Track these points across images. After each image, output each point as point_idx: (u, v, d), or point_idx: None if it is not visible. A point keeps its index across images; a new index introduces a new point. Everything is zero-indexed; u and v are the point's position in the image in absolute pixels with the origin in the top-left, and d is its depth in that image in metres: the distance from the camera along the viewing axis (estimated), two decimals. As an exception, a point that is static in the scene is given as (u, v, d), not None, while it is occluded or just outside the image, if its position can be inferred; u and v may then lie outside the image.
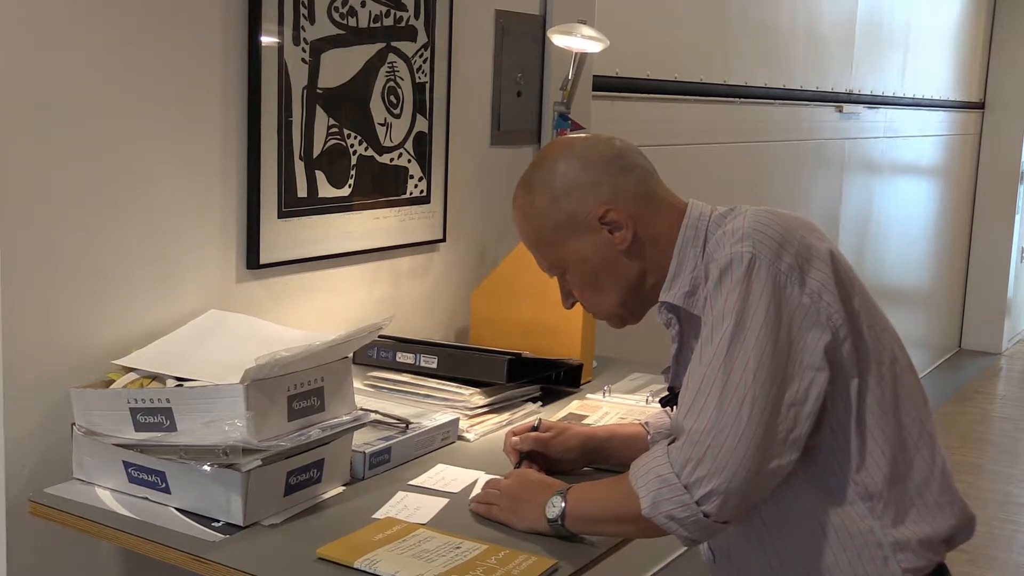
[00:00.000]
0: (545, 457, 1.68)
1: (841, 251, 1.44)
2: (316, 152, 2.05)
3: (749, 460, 1.29)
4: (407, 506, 1.57)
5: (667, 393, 1.58)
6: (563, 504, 1.44)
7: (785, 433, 1.32)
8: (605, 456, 1.71)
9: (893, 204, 5.58)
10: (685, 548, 3.21)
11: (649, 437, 1.70)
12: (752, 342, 1.31)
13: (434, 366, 2.06)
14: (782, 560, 1.44)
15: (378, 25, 2.16)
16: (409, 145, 2.27)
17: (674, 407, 1.55)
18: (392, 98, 2.21)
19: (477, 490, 1.62)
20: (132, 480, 1.55)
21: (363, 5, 2.11)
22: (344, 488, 1.63)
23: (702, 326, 1.38)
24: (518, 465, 1.66)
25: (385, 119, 2.20)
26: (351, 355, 1.69)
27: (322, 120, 2.05)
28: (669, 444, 1.34)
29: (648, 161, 1.54)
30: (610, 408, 2.06)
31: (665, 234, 1.49)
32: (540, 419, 1.75)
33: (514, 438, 1.70)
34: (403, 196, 2.28)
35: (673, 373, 1.55)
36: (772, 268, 1.34)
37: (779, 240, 1.36)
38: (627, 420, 1.90)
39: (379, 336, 1.96)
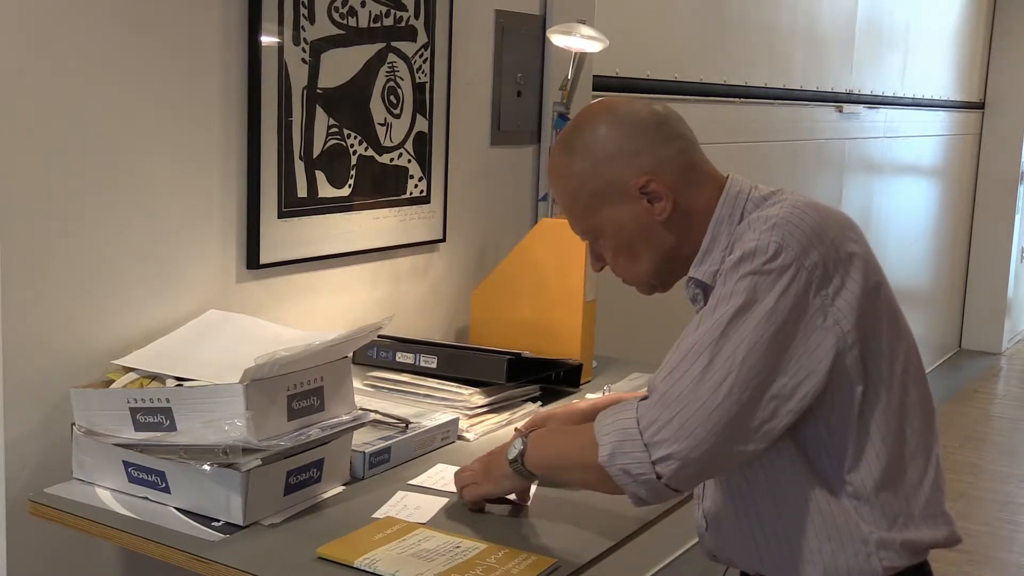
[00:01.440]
0: None
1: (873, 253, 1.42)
2: (316, 152, 2.05)
3: (714, 437, 1.29)
4: (407, 506, 1.57)
5: None
6: (522, 446, 1.47)
7: (759, 423, 1.31)
8: None
9: (893, 204, 5.58)
10: (685, 548, 3.22)
11: None
12: (751, 325, 1.31)
13: (434, 366, 2.06)
14: (768, 541, 1.44)
15: (378, 25, 2.16)
16: (409, 145, 2.27)
17: None
18: (392, 98, 2.21)
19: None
20: (132, 480, 1.55)
21: (363, 5, 2.12)
22: (344, 488, 1.63)
23: (709, 298, 1.37)
24: None
25: (385, 119, 2.20)
26: (351, 355, 1.69)
27: (322, 120, 2.05)
28: (641, 400, 1.35)
29: (690, 129, 1.51)
30: (610, 408, 2.06)
31: (703, 208, 1.47)
32: (518, 426, 1.75)
33: None
34: (403, 196, 2.28)
35: None
36: (796, 263, 1.32)
37: (810, 236, 1.34)
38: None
39: (379, 336, 1.96)
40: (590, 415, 1.72)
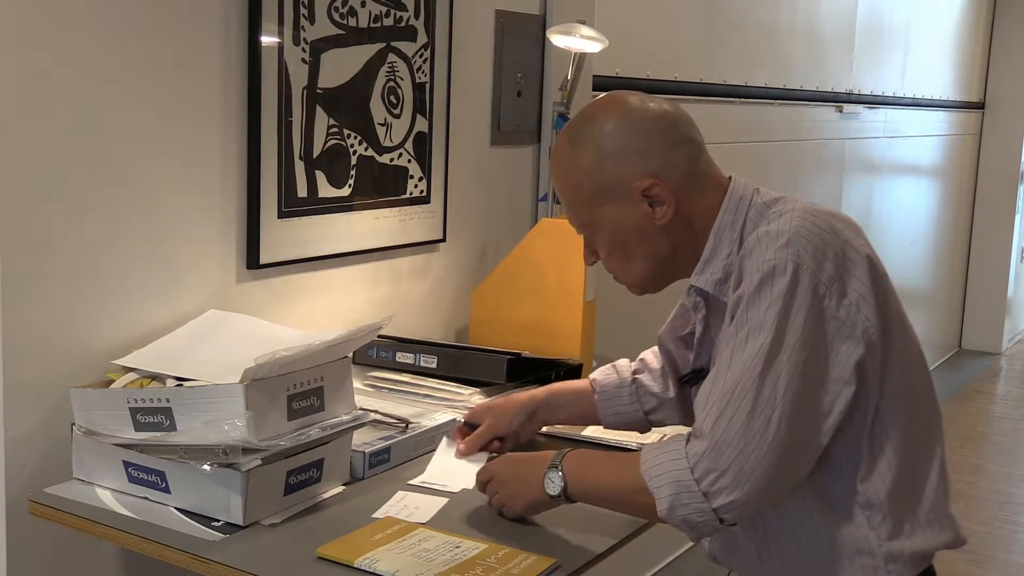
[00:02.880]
0: (500, 440, 1.70)
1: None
2: (316, 152, 2.05)
3: (771, 474, 1.29)
4: (407, 505, 1.57)
5: (688, 373, 1.58)
6: (561, 479, 1.44)
7: (808, 445, 1.32)
8: (551, 414, 1.73)
9: (893, 204, 5.58)
10: (685, 548, 3.23)
11: (596, 395, 1.71)
12: (787, 356, 1.30)
13: (434, 366, 2.06)
14: (773, 557, 1.44)
15: (378, 25, 2.16)
16: (409, 145, 2.27)
17: (694, 386, 1.55)
18: (392, 98, 2.21)
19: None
20: (132, 480, 1.55)
21: (363, 5, 2.11)
22: (344, 488, 1.63)
23: (735, 327, 1.35)
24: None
25: (385, 119, 2.20)
26: (351, 355, 1.69)
27: (322, 120, 2.05)
28: (687, 445, 1.33)
29: (699, 132, 1.49)
30: (610, 408, 2.06)
31: (705, 214, 1.46)
32: (461, 420, 1.76)
33: (460, 446, 1.71)
34: (403, 196, 2.28)
35: (696, 354, 1.54)
36: (813, 279, 1.32)
37: (822, 248, 1.33)
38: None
39: (379, 336, 1.96)
40: (530, 407, 1.73)
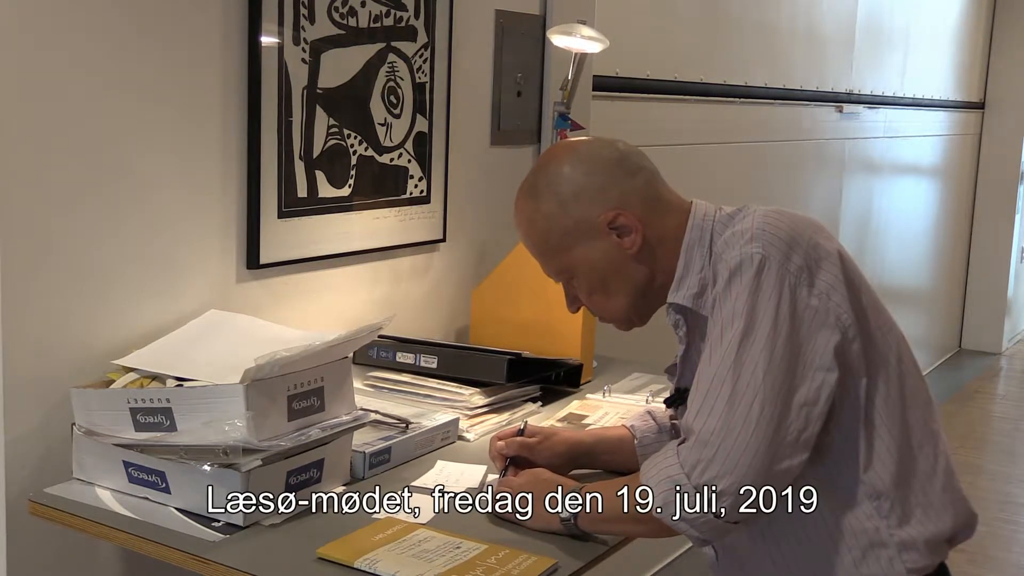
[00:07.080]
0: (531, 462, 1.65)
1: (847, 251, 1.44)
2: (316, 152, 2.05)
3: (759, 461, 1.29)
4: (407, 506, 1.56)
5: (673, 393, 1.58)
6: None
7: (796, 433, 1.32)
8: (591, 461, 1.70)
9: (893, 204, 5.58)
10: (685, 549, 3.23)
11: (636, 441, 1.69)
12: (762, 343, 1.31)
13: (434, 366, 2.06)
14: (786, 559, 1.44)
15: (378, 25, 2.16)
16: (409, 145, 2.27)
17: (679, 407, 1.55)
18: (392, 98, 2.21)
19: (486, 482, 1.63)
20: (132, 480, 1.55)
21: (363, 5, 2.11)
22: (344, 488, 1.63)
23: (711, 327, 1.37)
24: (504, 471, 1.64)
25: (385, 119, 2.20)
26: (351, 355, 1.68)
27: (322, 120, 2.05)
28: (679, 444, 1.34)
29: (650, 162, 1.53)
30: (610, 408, 2.06)
31: (672, 236, 1.48)
32: (526, 423, 1.72)
33: (500, 443, 1.68)
34: (403, 196, 2.28)
35: (679, 374, 1.55)
36: (781, 269, 1.34)
37: (788, 241, 1.35)
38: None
39: (379, 336, 1.96)
40: (576, 452, 1.68)
